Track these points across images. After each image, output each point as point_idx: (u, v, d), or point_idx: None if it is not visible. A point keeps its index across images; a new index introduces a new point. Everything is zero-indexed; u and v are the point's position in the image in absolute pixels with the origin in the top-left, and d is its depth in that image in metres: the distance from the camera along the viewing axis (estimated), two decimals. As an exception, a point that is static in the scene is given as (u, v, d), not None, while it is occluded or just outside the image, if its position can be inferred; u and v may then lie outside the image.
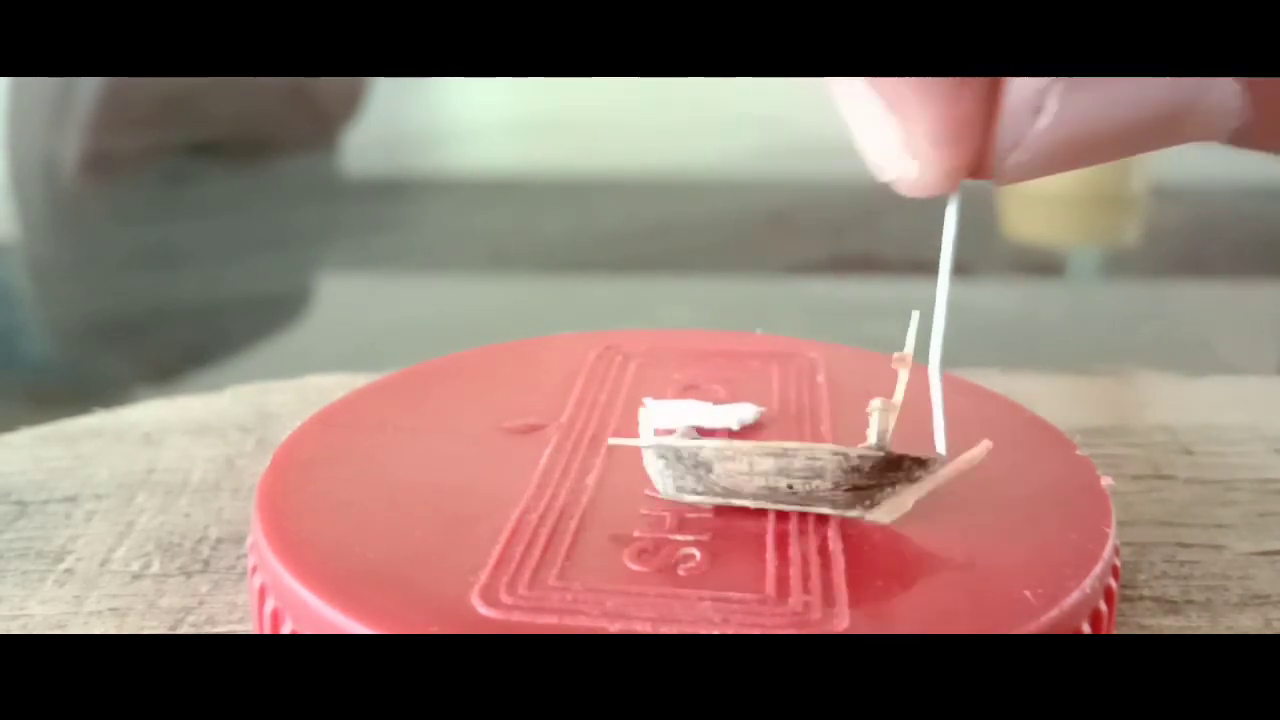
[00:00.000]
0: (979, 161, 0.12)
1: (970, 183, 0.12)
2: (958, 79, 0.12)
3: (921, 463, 0.14)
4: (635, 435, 0.16)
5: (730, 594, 0.12)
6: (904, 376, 0.14)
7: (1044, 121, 0.12)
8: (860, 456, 0.13)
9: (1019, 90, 0.12)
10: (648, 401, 0.17)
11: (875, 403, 0.14)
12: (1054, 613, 0.12)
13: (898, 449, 0.14)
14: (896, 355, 0.14)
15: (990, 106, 0.12)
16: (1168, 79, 0.11)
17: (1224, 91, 0.11)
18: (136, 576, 0.16)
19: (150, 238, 0.47)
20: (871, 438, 0.14)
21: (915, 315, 0.14)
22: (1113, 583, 0.13)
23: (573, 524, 0.14)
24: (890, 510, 0.14)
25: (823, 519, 0.14)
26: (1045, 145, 0.12)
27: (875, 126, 0.13)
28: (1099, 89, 0.11)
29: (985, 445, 0.14)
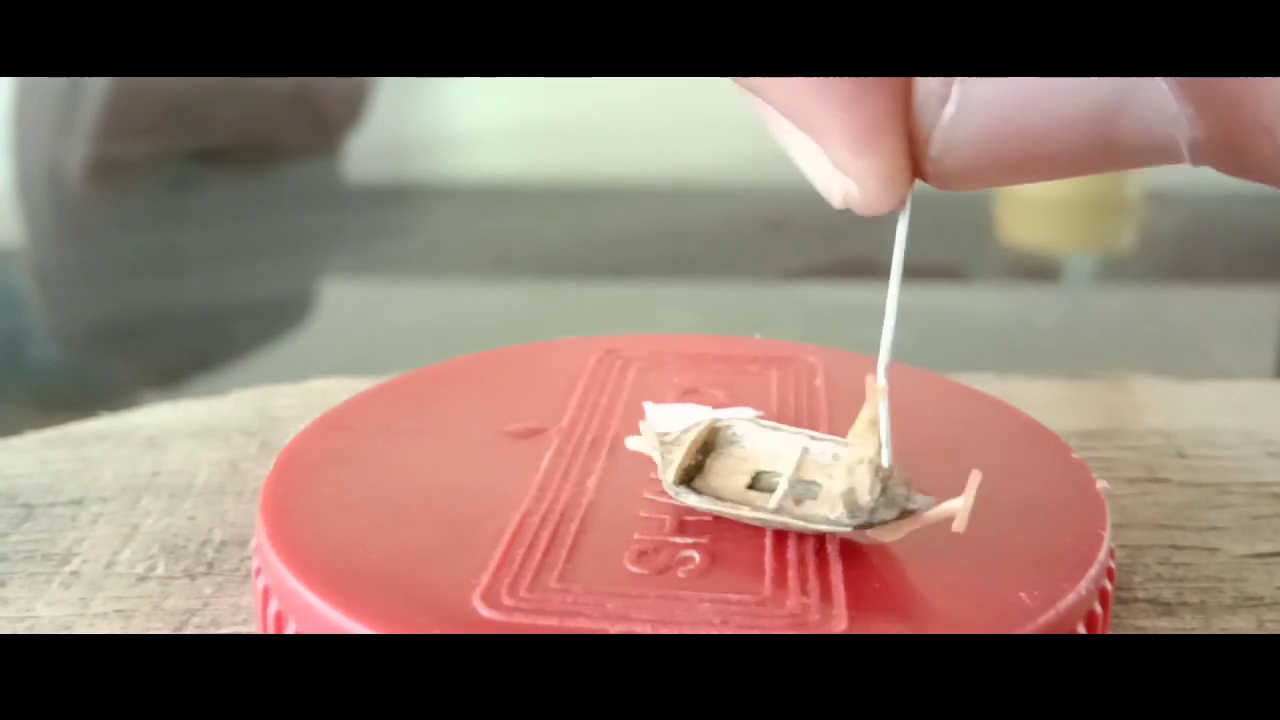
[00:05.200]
0: (913, 167, 0.12)
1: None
2: (857, 83, 0.11)
3: (913, 512, 0.13)
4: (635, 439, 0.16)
5: (729, 595, 0.13)
6: (884, 410, 0.13)
7: (951, 109, 0.11)
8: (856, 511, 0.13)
9: (924, 83, 0.11)
10: (647, 406, 0.17)
11: (853, 460, 0.13)
12: (1050, 614, 0.12)
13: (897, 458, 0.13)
14: (878, 386, 0.13)
15: (899, 106, 0.11)
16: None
17: (1156, 91, 0.11)
18: (142, 579, 0.16)
19: (155, 243, 0.47)
20: (862, 497, 0.13)
21: (885, 350, 0.13)
22: (1108, 585, 0.14)
23: (573, 526, 0.14)
24: (885, 534, 0.14)
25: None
26: (965, 141, 0.11)
27: (806, 151, 0.12)
28: (1007, 80, 0.11)
29: (975, 476, 0.13)
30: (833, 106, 0.11)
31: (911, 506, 0.13)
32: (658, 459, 0.15)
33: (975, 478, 0.12)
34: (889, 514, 0.13)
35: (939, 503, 0.13)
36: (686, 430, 0.15)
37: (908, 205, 0.12)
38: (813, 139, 0.12)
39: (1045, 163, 0.12)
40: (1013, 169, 0.12)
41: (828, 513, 0.13)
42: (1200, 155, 0.11)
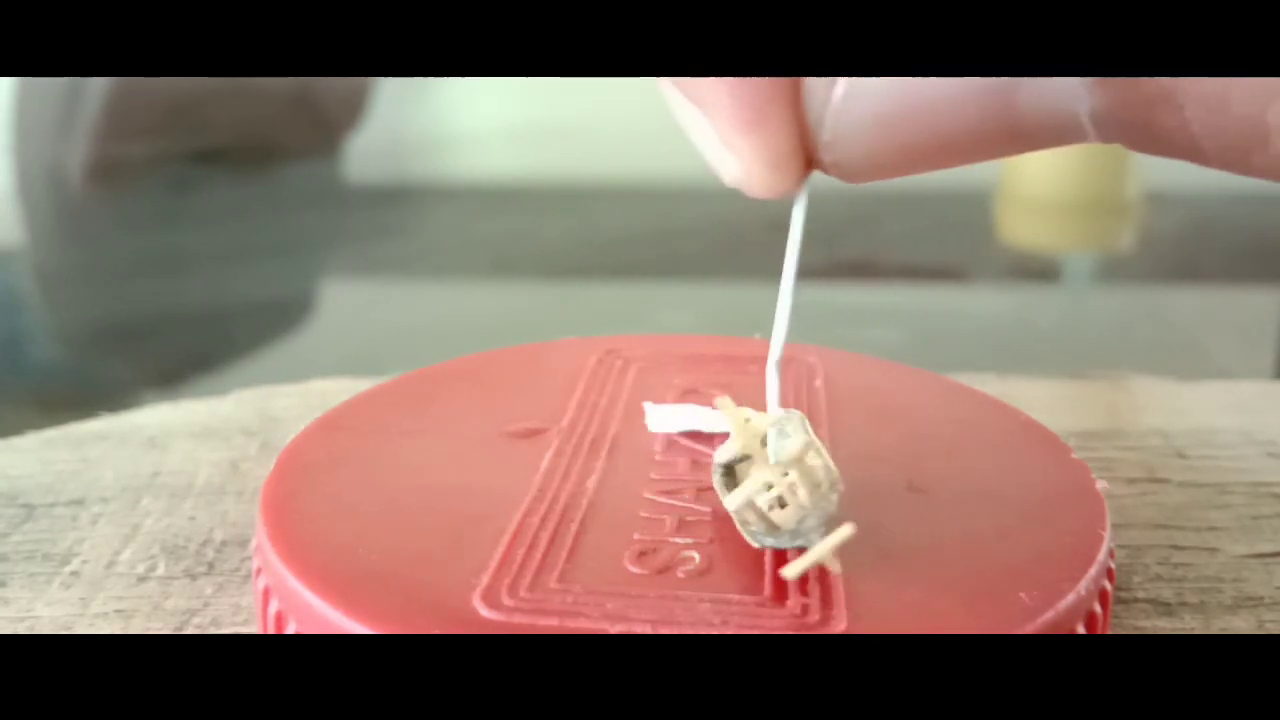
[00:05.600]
0: (808, 157, 0.11)
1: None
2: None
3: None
4: (636, 439, 0.16)
5: (729, 596, 0.13)
6: (774, 439, 0.13)
7: (840, 91, 0.11)
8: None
9: None
10: (647, 406, 0.17)
11: (758, 484, 0.13)
12: (1050, 614, 0.12)
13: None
14: (779, 415, 0.13)
15: (786, 89, 0.11)
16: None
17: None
18: (142, 579, 0.16)
19: (155, 244, 0.47)
20: (784, 519, 0.13)
21: (775, 374, 0.13)
22: (1107, 585, 0.14)
23: (573, 527, 0.14)
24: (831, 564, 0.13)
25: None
26: (857, 125, 0.11)
27: (699, 125, 0.12)
28: None
29: (849, 528, 0.12)
30: (719, 82, 0.11)
31: (801, 544, 0.13)
32: (734, 432, 0.14)
33: (843, 531, 0.12)
34: (794, 541, 0.13)
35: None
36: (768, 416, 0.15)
37: (804, 195, 0.12)
38: (702, 113, 0.12)
39: (945, 146, 0.11)
40: (912, 154, 0.11)
41: (755, 520, 0.13)
42: (1104, 129, 0.11)
